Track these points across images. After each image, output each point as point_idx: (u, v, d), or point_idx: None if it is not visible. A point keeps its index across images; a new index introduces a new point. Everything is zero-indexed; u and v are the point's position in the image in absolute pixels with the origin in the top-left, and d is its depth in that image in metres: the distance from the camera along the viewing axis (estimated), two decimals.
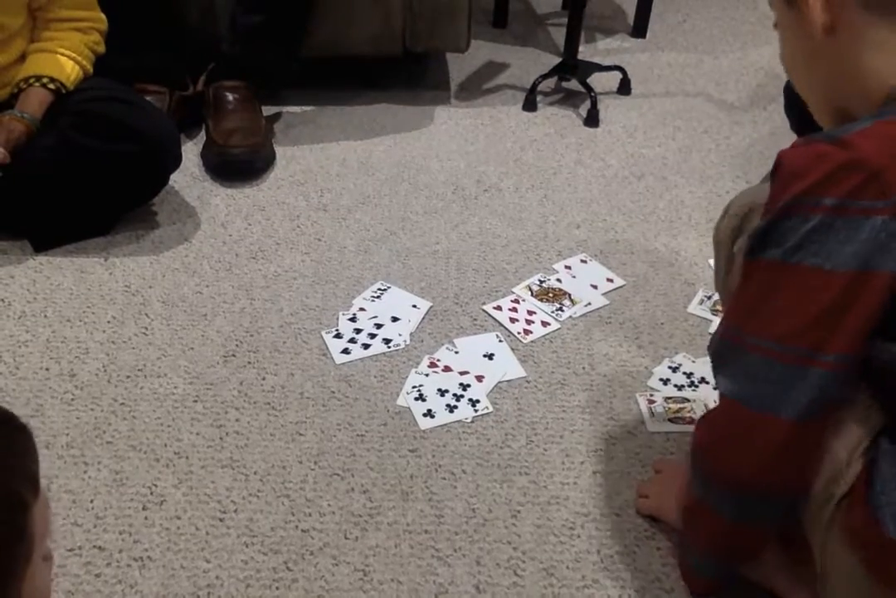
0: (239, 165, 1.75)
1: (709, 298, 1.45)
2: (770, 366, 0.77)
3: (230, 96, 1.85)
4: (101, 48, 1.61)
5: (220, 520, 1.07)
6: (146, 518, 1.06)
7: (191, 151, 1.79)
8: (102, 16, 1.60)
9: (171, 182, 1.61)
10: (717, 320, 1.40)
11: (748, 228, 0.89)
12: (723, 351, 0.84)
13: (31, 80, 1.49)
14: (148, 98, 1.74)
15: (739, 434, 0.81)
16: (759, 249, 0.78)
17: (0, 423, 0.62)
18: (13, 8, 1.47)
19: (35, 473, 0.63)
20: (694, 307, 1.43)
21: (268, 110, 1.92)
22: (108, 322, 1.37)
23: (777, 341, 0.77)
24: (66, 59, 1.53)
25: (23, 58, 1.53)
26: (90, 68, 1.58)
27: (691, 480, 0.90)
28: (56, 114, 1.50)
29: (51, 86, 1.50)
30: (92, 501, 1.08)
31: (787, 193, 0.74)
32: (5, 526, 0.58)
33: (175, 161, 1.57)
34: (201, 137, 1.85)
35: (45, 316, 1.37)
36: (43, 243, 1.52)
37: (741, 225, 0.92)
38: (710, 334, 1.38)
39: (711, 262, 1.54)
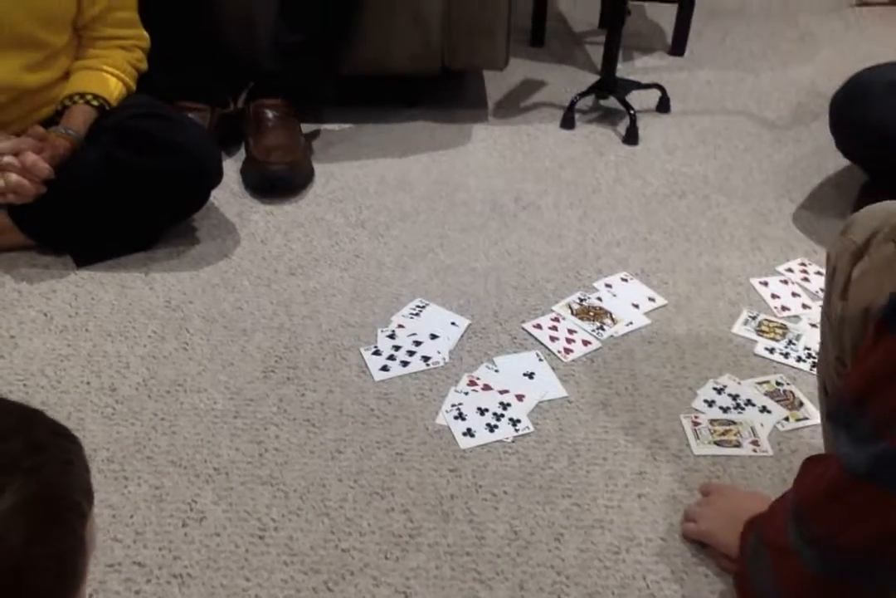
0: (278, 181, 1.75)
1: (753, 318, 1.43)
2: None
3: (270, 114, 1.86)
4: (144, 65, 1.63)
5: (260, 538, 1.06)
6: (186, 535, 1.06)
7: (231, 167, 1.80)
8: (145, 34, 1.62)
9: (211, 199, 1.62)
10: (762, 341, 1.38)
11: (873, 252, 0.85)
12: (842, 416, 0.77)
13: (76, 98, 1.51)
14: (189, 115, 1.76)
15: (853, 508, 0.75)
16: None
17: (56, 435, 0.62)
18: (57, 26, 1.50)
19: (89, 483, 0.63)
20: (738, 328, 1.41)
21: (307, 128, 1.93)
22: (149, 337, 1.37)
23: None
24: (109, 76, 1.55)
25: (67, 75, 1.56)
26: (133, 85, 1.60)
27: (787, 525, 0.83)
28: (99, 130, 1.51)
29: (95, 103, 1.52)
30: (132, 516, 1.08)
31: None
32: (71, 538, 0.58)
33: (216, 177, 1.58)
34: (241, 154, 1.85)
35: (87, 330, 1.38)
36: (85, 258, 1.53)
37: (864, 249, 0.87)
38: (755, 354, 1.36)
39: (754, 281, 1.52)
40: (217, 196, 1.67)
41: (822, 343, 0.98)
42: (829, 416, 0.80)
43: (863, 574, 0.78)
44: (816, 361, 1.03)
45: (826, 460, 0.80)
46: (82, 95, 1.52)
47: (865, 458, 0.72)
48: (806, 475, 0.84)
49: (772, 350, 1.36)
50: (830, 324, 0.93)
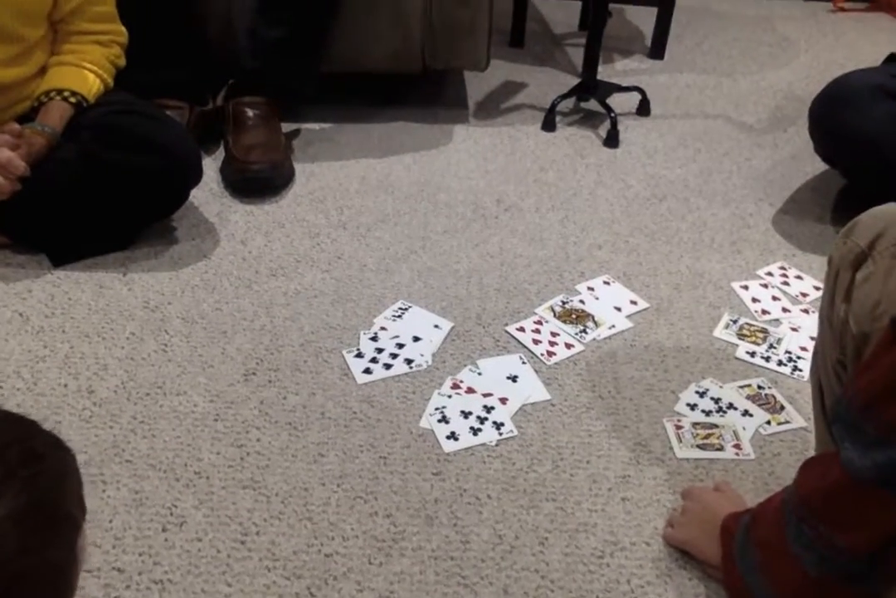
0: (258, 181, 1.74)
1: (734, 321, 1.43)
2: None
3: (250, 112, 1.84)
4: (122, 62, 1.60)
5: (242, 543, 1.04)
6: (166, 540, 1.04)
7: (210, 167, 1.78)
8: (123, 29, 1.59)
9: (190, 198, 1.60)
10: (743, 345, 1.39)
11: (877, 255, 0.85)
12: (848, 420, 0.76)
13: (52, 94, 1.49)
14: (168, 113, 1.74)
15: (858, 511, 0.75)
16: None
17: (54, 446, 0.61)
18: (33, 19, 1.47)
19: (82, 496, 0.62)
20: (720, 331, 1.41)
21: (287, 127, 1.92)
22: (127, 338, 1.35)
23: None
24: (87, 72, 1.53)
25: (42, 71, 1.53)
26: (111, 82, 1.58)
27: (786, 521, 0.83)
28: (76, 127, 1.49)
29: (72, 99, 1.49)
30: (111, 521, 1.06)
31: None
32: (65, 549, 0.57)
33: (196, 176, 1.56)
34: (220, 153, 1.84)
35: (64, 331, 1.36)
36: (61, 258, 1.51)
37: (867, 252, 0.87)
38: (736, 358, 1.36)
39: (735, 285, 1.53)
40: (196, 195, 1.65)
41: (820, 345, 0.97)
42: (833, 419, 0.79)
43: (862, 578, 0.78)
44: (811, 362, 1.02)
45: (827, 462, 0.80)
46: (59, 92, 1.49)
47: (871, 464, 0.72)
48: (808, 476, 0.84)
49: (753, 354, 1.36)
50: (832, 327, 0.92)
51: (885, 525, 0.73)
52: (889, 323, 0.74)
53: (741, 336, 1.40)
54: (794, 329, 1.42)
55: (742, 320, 1.43)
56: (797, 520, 0.81)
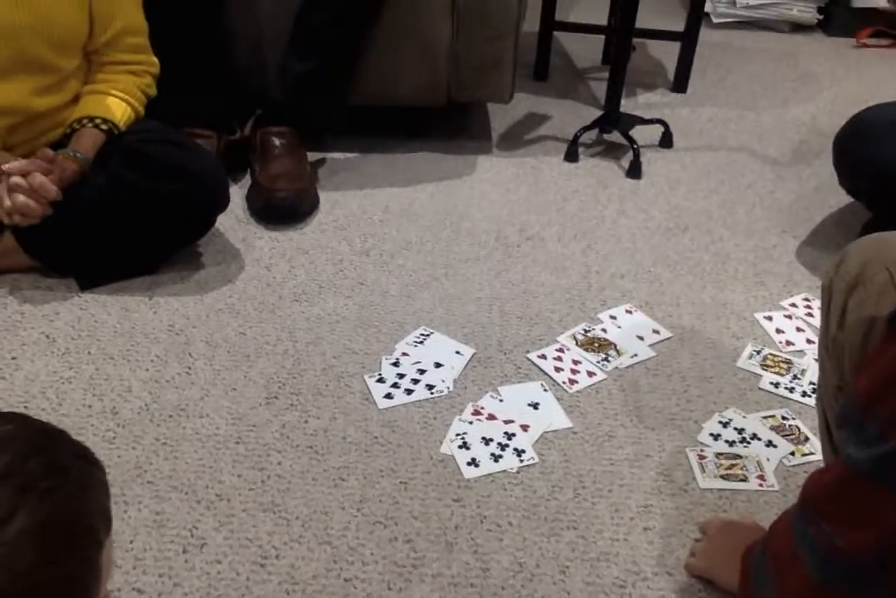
0: (284, 208, 1.76)
1: (758, 352, 1.43)
2: None
3: (277, 141, 1.87)
4: (153, 91, 1.64)
5: (262, 566, 1.04)
6: (186, 561, 1.04)
7: (236, 194, 1.81)
8: (156, 60, 1.63)
9: (216, 224, 1.62)
10: (767, 376, 1.38)
11: (867, 281, 0.88)
12: (850, 418, 0.77)
13: (85, 121, 1.52)
14: (197, 142, 1.77)
15: (856, 505, 0.74)
16: None
17: (79, 457, 0.61)
18: (69, 50, 1.51)
19: (108, 509, 0.61)
20: (743, 362, 1.41)
21: (313, 156, 1.94)
22: (152, 361, 1.36)
23: None
24: (118, 100, 1.56)
25: (76, 99, 1.56)
26: (142, 111, 1.61)
27: (793, 525, 0.82)
28: (107, 154, 1.52)
29: (103, 127, 1.52)
30: (132, 541, 1.06)
31: None
32: (84, 563, 0.57)
33: (223, 202, 1.58)
34: (247, 180, 1.86)
35: (89, 353, 1.37)
36: (89, 281, 1.53)
37: (858, 279, 0.90)
38: (760, 388, 1.35)
39: (759, 316, 1.53)
40: (222, 222, 1.68)
41: (821, 372, 0.99)
42: (840, 425, 0.80)
43: (866, 583, 0.77)
44: (816, 393, 1.03)
45: (831, 465, 0.82)
46: (91, 119, 1.52)
47: (867, 457, 0.72)
48: (812, 478, 0.83)
49: (777, 385, 1.36)
50: (828, 353, 0.95)
51: (886, 526, 0.72)
52: (886, 322, 0.74)
53: (765, 367, 1.39)
54: (817, 360, 1.40)
55: (766, 351, 1.43)
56: (803, 523, 0.80)
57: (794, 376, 1.37)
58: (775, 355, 1.42)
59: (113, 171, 1.50)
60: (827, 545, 0.77)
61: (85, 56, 1.56)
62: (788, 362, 1.41)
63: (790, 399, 1.33)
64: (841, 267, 0.93)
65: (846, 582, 0.78)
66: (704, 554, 1.04)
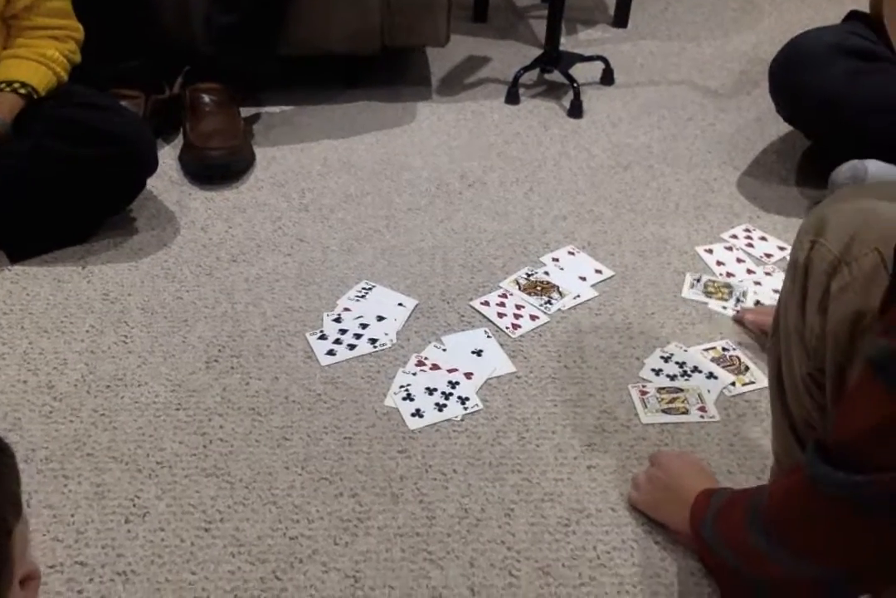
0: (217, 167, 1.71)
1: (698, 280, 1.44)
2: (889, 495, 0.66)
3: (207, 99, 1.82)
4: (77, 57, 1.58)
5: (206, 530, 1.04)
6: (129, 531, 1.03)
7: (169, 155, 1.76)
8: (79, 25, 1.57)
9: (149, 187, 1.58)
10: (711, 302, 1.40)
11: (853, 263, 0.77)
12: (832, 464, 0.70)
13: (2, 86, 1.46)
14: (124, 103, 1.71)
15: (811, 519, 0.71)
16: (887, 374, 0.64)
17: None
18: None
19: (18, 494, 0.60)
20: (687, 292, 1.42)
21: (246, 112, 1.89)
22: (87, 332, 1.34)
23: None
24: (39, 65, 1.50)
25: None
26: (65, 76, 1.55)
27: (750, 528, 0.80)
28: (30, 121, 1.47)
29: (22, 91, 1.47)
30: (73, 515, 1.05)
31: None
32: None
33: (151, 165, 1.54)
34: (179, 140, 1.81)
35: (22, 327, 1.34)
36: (19, 253, 1.49)
37: (841, 258, 0.78)
38: (704, 317, 1.36)
39: (699, 249, 1.52)
40: (155, 185, 1.64)
41: (784, 357, 0.90)
42: (814, 458, 0.72)
43: (835, 587, 0.76)
44: (770, 379, 0.95)
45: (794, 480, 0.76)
46: (9, 83, 1.47)
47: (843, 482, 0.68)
48: (775, 491, 0.79)
49: (723, 309, 1.37)
50: (803, 339, 0.85)
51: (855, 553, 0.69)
52: (866, 364, 0.67)
53: (708, 294, 1.41)
54: (757, 283, 1.43)
55: (705, 278, 1.45)
56: (764, 534, 0.77)
57: (738, 300, 1.39)
58: (714, 281, 1.44)
59: (36, 138, 1.45)
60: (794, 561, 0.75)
61: (3, 22, 1.49)
62: (728, 286, 1.43)
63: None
64: (819, 241, 0.81)
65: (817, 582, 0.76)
66: (647, 492, 1.04)
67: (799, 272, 0.84)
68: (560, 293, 1.42)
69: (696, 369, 1.25)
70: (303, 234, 1.57)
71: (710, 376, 1.24)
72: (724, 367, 1.25)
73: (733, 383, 1.23)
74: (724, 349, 1.29)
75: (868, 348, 0.69)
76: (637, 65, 2.21)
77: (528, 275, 1.46)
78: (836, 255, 0.79)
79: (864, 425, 0.67)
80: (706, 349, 1.29)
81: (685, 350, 1.29)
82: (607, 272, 1.47)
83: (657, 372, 1.25)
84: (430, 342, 1.33)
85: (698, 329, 1.34)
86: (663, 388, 1.22)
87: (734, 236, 1.55)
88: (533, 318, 1.37)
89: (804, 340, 0.84)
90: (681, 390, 1.22)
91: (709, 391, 1.21)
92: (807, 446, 0.75)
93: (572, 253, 1.52)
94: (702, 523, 0.91)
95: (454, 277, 1.47)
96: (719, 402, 1.21)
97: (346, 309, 1.39)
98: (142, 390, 1.23)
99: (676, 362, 1.27)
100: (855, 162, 1.51)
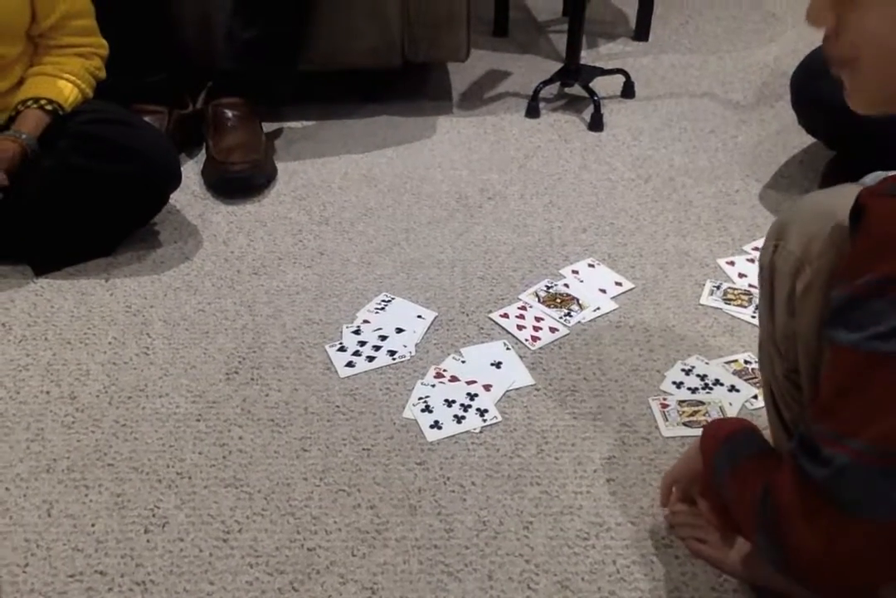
0: (239, 181, 1.73)
1: (718, 287, 1.43)
2: (866, 471, 0.64)
3: (229, 113, 1.84)
4: (102, 74, 1.60)
5: (224, 541, 1.04)
6: (148, 541, 1.04)
7: (191, 169, 1.78)
8: (104, 42, 1.60)
9: (172, 201, 1.60)
10: (730, 309, 1.39)
11: (815, 261, 0.78)
12: (809, 442, 0.68)
13: (29, 103, 1.49)
14: (147, 118, 1.74)
15: (821, 534, 0.67)
16: (837, 329, 0.65)
17: None
18: (10, 38, 1.47)
19: None
20: (706, 298, 1.42)
21: (268, 126, 1.91)
22: (109, 343, 1.35)
23: (872, 444, 0.63)
24: (64, 82, 1.53)
25: (20, 83, 1.53)
26: (90, 93, 1.58)
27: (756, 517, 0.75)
28: (55, 137, 1.49)
29: (48, 107, 1.49)
30: (93, 525, 1.06)
31: (877, 268, 0.62)
32: None
33: (174, 180, 1.56)
34: (202, 155, 1.83)
35: (46, 339, 1.36)
36: (43, 267, 1.51)
37: (803, 259, 0.80)
38: (726, 330, 1.35)
39: (721, 261, 1.51)
40: (178, 199, 1.65)
41: (766, 359, 0.91)
42: (799, 440, 0.70)
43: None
44: (759, 360, 0.95)
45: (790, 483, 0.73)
46: (36, 100, 1.49)
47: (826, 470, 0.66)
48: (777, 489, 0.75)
49: (743, 316, 1.38)
50: (774, 341, 0.86)
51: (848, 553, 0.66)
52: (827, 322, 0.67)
53: (727, 301, 1.40)
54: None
55: (725, 285, 1.44)
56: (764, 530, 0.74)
57: (757, 307, 1.38)
58: (734, 289, 1.43)
59: (61, 154, 1.47)
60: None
61: (30, 40, 1.52)
62: (748, 293, 1.42)
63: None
64: (781, 244, 0.83)
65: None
66: (717, 544, 0.98)
67: (765, 276, 0.86)
68: (580, 306, 1.42)
69: (717, 382, 1.24)
70: (323, 247, 1.58)
71: (732, 389, 1.23)
72: (746, 380, 1.24)
73: (755, 397, 1.21)
74: (746, 362, 1.28)
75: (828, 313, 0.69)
76: (658, 78, 2.21)
77: (548, 287, 1.46)
78: (797, 255, 0.81)
79: (829, 389, 0.67)
80: (728, 362, 1.28)
81: (706, 363, 1.28)
82: (627, 285, 1.46)
83: (678, 385, 1.24)
84: (448, 354, 1.33)
85: (720, 342, 1.33)
86: (684, 401, 1.21)
87: (756, 249, 1.54)
88: (552, 330, 1.37)
89: (776, 342, 0.86)
90: (702, 403, 1.21)
91: (731, 405, 1.20)
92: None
93: (592, 265, 1.51)
94: (715, 456, 0.87)
95: (473, 290, 1.47)
96: (741, 415, 1.19)
97: (366, 321, 1.40)
98: (163, 401, 1.24)
99: (698, 375, 1.26)
100: (879, 172, 1.50)
